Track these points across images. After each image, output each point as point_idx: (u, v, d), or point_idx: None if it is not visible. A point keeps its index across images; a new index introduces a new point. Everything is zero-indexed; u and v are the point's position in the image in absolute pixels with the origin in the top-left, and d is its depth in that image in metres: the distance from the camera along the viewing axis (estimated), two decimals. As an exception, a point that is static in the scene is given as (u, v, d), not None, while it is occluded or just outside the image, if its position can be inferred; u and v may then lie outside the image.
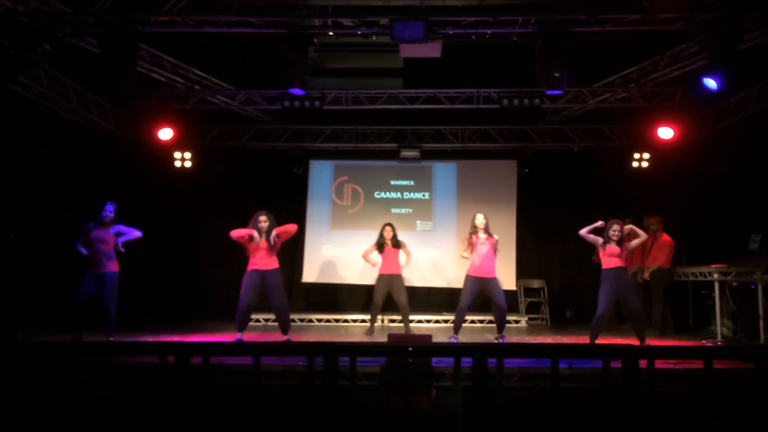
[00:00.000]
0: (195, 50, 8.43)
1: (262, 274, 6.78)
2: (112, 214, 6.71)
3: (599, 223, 6.72)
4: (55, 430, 3.70)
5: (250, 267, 6.85)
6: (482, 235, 7.29)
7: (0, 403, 3.68)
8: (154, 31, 6.76)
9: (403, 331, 8.16)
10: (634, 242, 6.67)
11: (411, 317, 9.60)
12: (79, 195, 8.77)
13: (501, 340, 7.28)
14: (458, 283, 10.27)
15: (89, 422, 3.71)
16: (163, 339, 7.12)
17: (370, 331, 8.22)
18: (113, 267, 6.68)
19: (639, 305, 6.59)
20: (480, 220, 7.30)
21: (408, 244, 8.41)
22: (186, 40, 7.30)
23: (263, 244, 6.80)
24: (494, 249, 7.30)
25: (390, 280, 8.14)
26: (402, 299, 8.11)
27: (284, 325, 6.95)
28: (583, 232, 6.73)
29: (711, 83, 6.57)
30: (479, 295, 7.43)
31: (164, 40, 7.52)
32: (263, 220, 6.84)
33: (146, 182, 10.06)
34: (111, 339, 6.55)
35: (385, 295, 8.23)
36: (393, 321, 9.58)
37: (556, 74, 6.52)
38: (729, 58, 6.23)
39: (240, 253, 7.22)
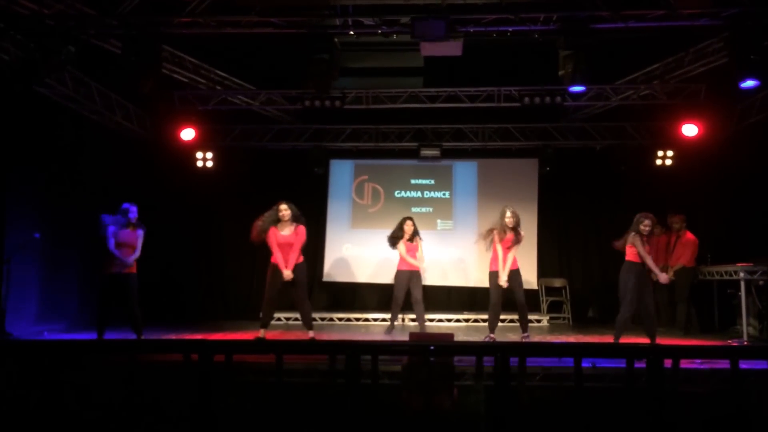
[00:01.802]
0: (217, 51, 8.49)
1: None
2: (136, 214, 6.73)
3: None
4: (78, 428, 3.75)
5: (273, 259, 6.72)
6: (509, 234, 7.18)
7: (25, 399, 3.74)
8: (176, 32, 6.81)
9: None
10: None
11: (432, 316, 9.61)
12: (103, 195, 8.88)
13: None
14: (479, 282, 10.29)
15: (113, 420, 3.75)
16: (186, 337, 7.19)
17: (390, 329, 8.15)
18: (134, 269, 6.67)
19: (653, 304, 6.49)
20: (508, 216, 7.14)
21: (428, 243, 8.28)
22: (208, 40, 7.36)
23: (281, 237, 6.65)
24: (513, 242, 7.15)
25: (410, 276, 7.99)
26: (418, 294, 7.90)
27: (307, 321, 6.88)
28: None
29: (750, 83, 6.44)
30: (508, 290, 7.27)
31: (186, 41, 7.58)
32: (284, 209, 6.69)
33: (168, 182, 10.16)
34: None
35: (406, 291, 8.06)
36: (413, 320, 9.57)
37: (578, 72, 6.46)
38: (756, 54, 6.12)
39: (262, 250, 7.23)
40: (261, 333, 6.72)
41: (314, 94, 8.49)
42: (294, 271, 6.64)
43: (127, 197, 6.91)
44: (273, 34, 6.84)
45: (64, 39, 6.51)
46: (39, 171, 7.89)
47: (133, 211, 6.73)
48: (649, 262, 6.37)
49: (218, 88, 9.07)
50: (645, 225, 6.43)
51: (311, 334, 6.88)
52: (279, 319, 9.55)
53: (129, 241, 6.65)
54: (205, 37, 7.08)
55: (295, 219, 6.74)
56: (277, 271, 6.63)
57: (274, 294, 6.69)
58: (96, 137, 8.95)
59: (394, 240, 8.14)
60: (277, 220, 6.72)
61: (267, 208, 6.94)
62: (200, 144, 10.13)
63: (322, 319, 9.80)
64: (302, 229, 6.73)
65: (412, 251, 8.07)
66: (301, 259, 6.77)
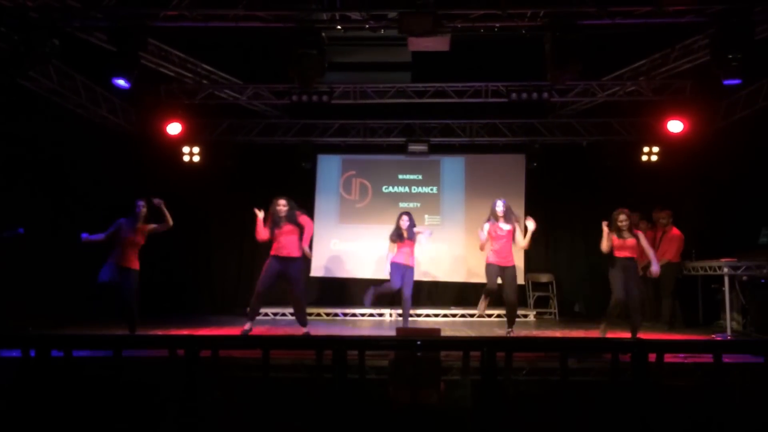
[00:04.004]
0: (203, 45, 8.43)
1: (285, 262, 6.57)
2: (143, 209, 6.71)
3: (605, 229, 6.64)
4: (65, 422, 3.73)
5: (272, 252, 6.65)
6: (504, 225, 7.11)
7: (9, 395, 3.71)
8: (162, 25, 6.75)
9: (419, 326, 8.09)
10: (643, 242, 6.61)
11: (419, 311, 9.63)
12: (88, 190, 8.83)
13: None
14: (467, 276, 10.34)
15: (99, 415, 3.73)
16: (172, 332, 7.16)
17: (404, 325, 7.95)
18: (136, 265, 6.67)
19: (638, 301, 6.50)
20: (500, 207, 7.12)
21: (416, 238, 8.11)
22: (194, 34, 7.30)
23: (286, 227, 6.60)
24: (514, 236, 7.11)
25: (404, 270, 7.78)
26: (407, 291, 7.72)
27: (301, 318, 6.81)
28: (606, 248, 6.63)
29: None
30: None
31: (172, 34, 7.52)
32: (282, 204, 6.66)
33: (155, 177, 10.07)
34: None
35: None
36: (401, 315, 9.57)
37: (567, 67, 6.48)
38: (739, 52, 6.16)
39: (248, 245, 7.18)
40: (248, 326, 6.66)
41: (301, 88, 8.46)
42: (291, 267, 6.62)
43: (112, 191, 6.86)
44: (260, 28, 6.80)
45: (49, 32, 6.45)
46: (22, 164, 7.81)
47: (138, 206, 6.72)
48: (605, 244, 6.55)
49: (205, 82, 9.01)
50: (620, 220, 6.51)
51: (305, 330, 6.82)
52: (266, 314, 9.53)
53: (132, 235, 6.67)
54: (192, 31, 7.02)
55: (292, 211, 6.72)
56: (272, 264, 6.58)
57: (265, 289, 6.60)
58: (81, 131, 8.86)
59: (394, 238, 7.92)
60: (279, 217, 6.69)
61: (254, 203, 6.90)
62: (187, 138, 10.06)
63: (309, 314, 9.76)
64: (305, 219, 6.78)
65: (410, 246, 7.85)
66: (299, 253, 6.71)
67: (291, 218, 6.66)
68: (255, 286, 6.71)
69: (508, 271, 7.10)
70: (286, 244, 6.62)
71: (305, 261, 10.51)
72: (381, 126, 10.55)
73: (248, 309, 6.72)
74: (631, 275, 6.45)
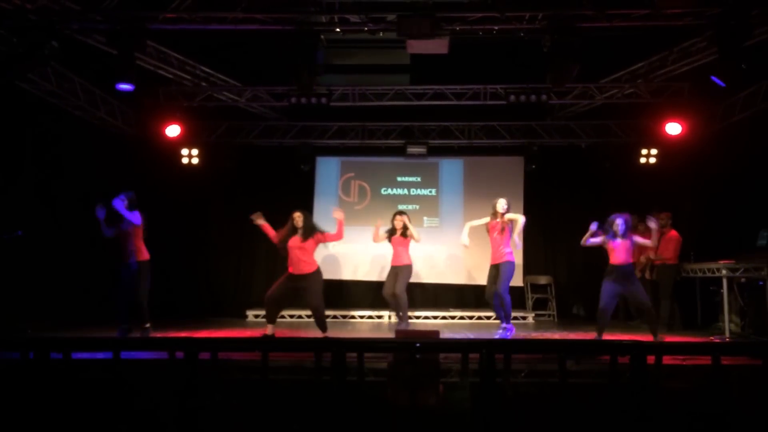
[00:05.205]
0: (202, 47, 8.44)
1: (296, 280, 6.71)
2: (123, 202, 6.72)
3: (592, 227, 6.66)
4: (64, 424, 3.73)
5: (289, 267, 6.81)
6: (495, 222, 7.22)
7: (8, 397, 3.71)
8: (161, 28, 6.76)
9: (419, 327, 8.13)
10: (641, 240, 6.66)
11: (418, 313, 9.63)
12: (87, 192, 8.81)
13: (506, 330, 7.17)
14: (466, 278, 10.34)
15: (98, 417, 3.73)
16: (171, 335, 7.15)
17: (399, 325, 8.01)
18: (128, 258, 6.75)
19: (646, 298, 6.53)
20: (502, 204, 7.17)
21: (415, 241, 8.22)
22: (193, 36, 7.31)
23: (298, 242, 6.71)
24: (509, 230, 7.15)
25: (397, 271, 8.01)
26: (398, 286, 7.90)
27: (321, 324, 6.93)
28: (583, 242, 6.69)
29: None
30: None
31: (171, 36, 7.53)
32: (297, 216, 6.77)
33: (153, 179, 10.08)
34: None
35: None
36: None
37: (565, 70, 6.52)
38: (738, 53, 6.18)
39: (248, 247, 7.20)
40: (269, 330, 6.71)
41: (300, 91, 8.48)
42: (302, 282, 6.72)
43: (111, 194, 6.86)
44: (259, 30, 6.81)
45: (48, 34, 6.45)
46: (21, 167, 7.81)
47: (117, 205, 6.71)
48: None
49: (204, 84, 9.01)
50: (616, 225, 6.54)
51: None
52: (282, 317, 9.50)
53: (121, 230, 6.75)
54: (191, 33, 7.03)
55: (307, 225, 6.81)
56: (289, 277, 6.73)
57: (277, 294, 6.73)
58: (79, 133, 8.87)
59: (388, 236, 8.19)
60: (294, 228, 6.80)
61: (253, 205, 6.94)
62: (186, 140, 10.05)
63: (308, 316, 9.76)
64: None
65: (402, 246, 8.06)
66: (315, 266, 6.83)
67: (306, 233, 6.74)
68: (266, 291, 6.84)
69: (500, 268, 7.14)
70: (297, 261, 6.73)
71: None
72: (380, 128, 10.55)
73: (265, 313, 6.85)
74: (630, 281, 6.48)
